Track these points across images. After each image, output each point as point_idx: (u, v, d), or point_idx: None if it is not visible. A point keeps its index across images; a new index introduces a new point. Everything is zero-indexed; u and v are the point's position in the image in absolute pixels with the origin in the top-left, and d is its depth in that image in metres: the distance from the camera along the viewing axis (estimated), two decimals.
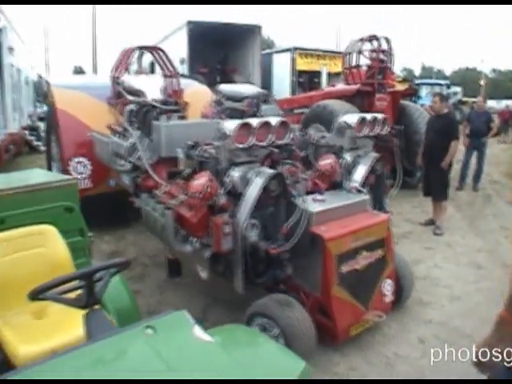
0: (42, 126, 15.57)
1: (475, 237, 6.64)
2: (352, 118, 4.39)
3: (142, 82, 5.56)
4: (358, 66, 9.62)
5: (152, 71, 10.08)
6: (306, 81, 16.18)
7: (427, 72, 69.83)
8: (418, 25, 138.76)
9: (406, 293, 4.25)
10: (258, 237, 3.54)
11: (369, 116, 4.36)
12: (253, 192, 3.45)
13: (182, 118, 4.94)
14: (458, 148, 7.23)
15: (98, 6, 27.27)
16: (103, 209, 5.77)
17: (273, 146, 3.77)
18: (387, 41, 9.33)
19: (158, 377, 1.52)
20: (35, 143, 14.63)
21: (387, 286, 3.88)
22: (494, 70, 76.21)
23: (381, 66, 9.17)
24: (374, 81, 9.04)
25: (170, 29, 14.63)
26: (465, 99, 26.06)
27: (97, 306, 2.00)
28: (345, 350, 3.68)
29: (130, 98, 5.45)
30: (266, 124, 3.58)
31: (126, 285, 3.17)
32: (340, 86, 10.53)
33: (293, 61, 15.45)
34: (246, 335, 2.25)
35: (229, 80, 12.33)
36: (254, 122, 3.55)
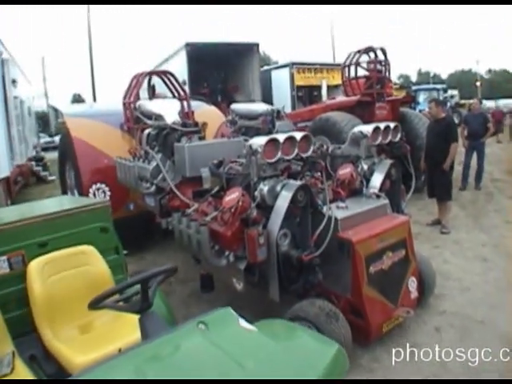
0: (46, 156, 15.77)
1: (480, 232, 6.89)
2: (366, 127, 4.59)
3: (159, 105, 5.73)
4: (356, 78, 9.91)
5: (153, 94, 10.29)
6: (305, 95, 16.41)
7: (424, 77, 70.12)
8: (412, 31, 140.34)
9: (428, 289, 4.43)
10: (289, 245, 3.73)
11: (382, 125, 4.57)
12: (282, 203, 3.63)
13: (202, 138, 5.13)
14: (458, 150, 7.49)
15: (93, 33, 27.65)
16: (123, 232, 5.91)
17: (297, 159, 3.98)
18: (383, 51, 9.63)
19: (220, 363, 1.72)
20: (42, 173, 14.81)
21: (412, 283, 4.08)
22: (489, 71, 77.32)
23: (378, 76, 9.46)
24: (372, 91, 9.30)
25: (166, 52, 14.84)
26: (462, 102, 26.40)
27: (150, 310, 2.15)
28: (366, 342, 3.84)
29: (150, 122, 5.66)
30: (291, 138, 3.77)
31: (162, 295, 3.35)
32: (340, 98, 10.81)
33: (292, 76, 15.63)
34: (282, 326, 2.44)
35: (230, 99, 12.50)
36: (281, 137, 3.73)
